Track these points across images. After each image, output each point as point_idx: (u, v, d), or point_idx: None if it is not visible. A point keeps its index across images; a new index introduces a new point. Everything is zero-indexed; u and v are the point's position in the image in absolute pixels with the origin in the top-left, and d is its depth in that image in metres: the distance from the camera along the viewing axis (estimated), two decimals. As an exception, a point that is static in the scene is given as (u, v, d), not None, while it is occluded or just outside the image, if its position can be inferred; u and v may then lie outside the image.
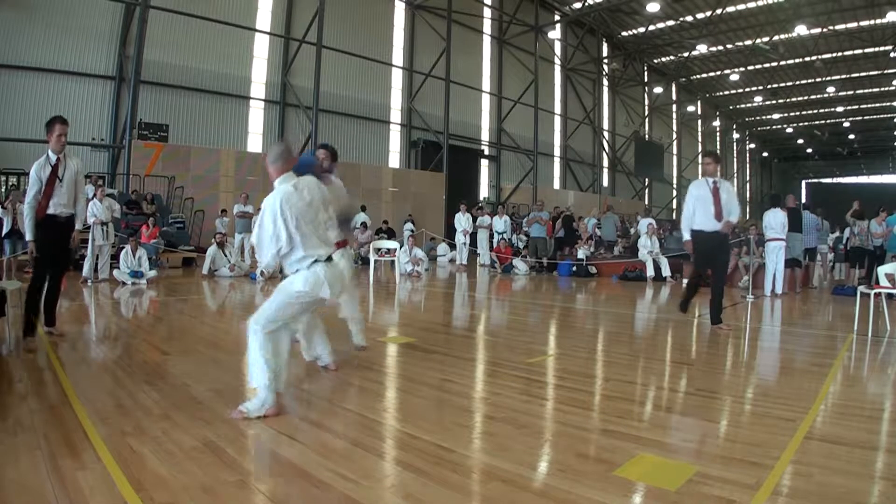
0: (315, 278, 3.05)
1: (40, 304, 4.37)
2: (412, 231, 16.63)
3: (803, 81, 31.40)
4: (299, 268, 3.08)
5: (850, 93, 32.26)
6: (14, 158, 13.50)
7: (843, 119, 38.32)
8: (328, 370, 3.81)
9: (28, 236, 4.46)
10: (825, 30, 23.91)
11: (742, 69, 30.01)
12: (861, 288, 6.15)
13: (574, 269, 12.62)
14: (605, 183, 31.41)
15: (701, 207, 5.62)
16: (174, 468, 2.20)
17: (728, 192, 5.66)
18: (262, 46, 17.79)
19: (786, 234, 8.94)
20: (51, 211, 4.45)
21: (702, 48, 27.26)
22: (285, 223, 2.97)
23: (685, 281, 10.79)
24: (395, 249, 11.34)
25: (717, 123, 41.09)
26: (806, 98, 35.00)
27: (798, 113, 38.15)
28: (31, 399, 3.04)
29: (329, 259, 3.15)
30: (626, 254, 12.96)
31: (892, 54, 25.39)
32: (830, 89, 31.81)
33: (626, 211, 23.58)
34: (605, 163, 31.42)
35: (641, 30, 27.82)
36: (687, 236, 5.77)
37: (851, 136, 42.19)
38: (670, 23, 25.94)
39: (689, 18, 25.04)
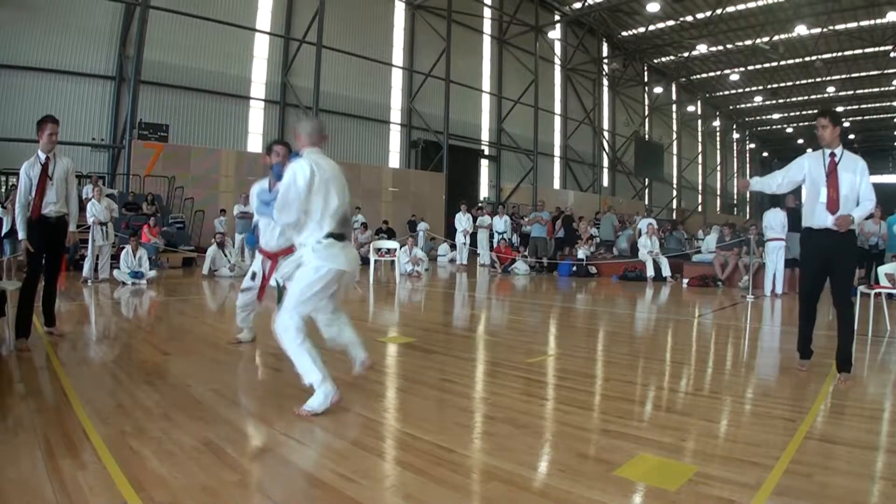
0: (328, 251, 3.00)
1: (33, 304, 4.36)
2: (427, 229, 16.66)
3: (803, 81, 31.40)
4: (312, 240, 3.01)
5: (850, 93, 32.26)
6: (14, 158, 13.49)
7: (844, 119, 38.26)
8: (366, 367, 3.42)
9: (21, 235, 4.47)
10: (825, 30, 23.91)
11: (742, 69, 30.01)
12: (861, 288, 6.14)
13: (574, 269, 12.62)
14: (605, 183, 31.42)
15: (811, 190, 3.90)
16: (174, 468, 2.20)
17: (854, 172, 3.84)
18: (262, 46, 17.79)
19: (786, 234, 8.94)
20: (42, 211, 4.44)
21: (702, 48, 27.26)
22: (310, 184, 2.95)
23: (685, 282, 10.84)
24: (395, 249, 11.34)
25: (717, 123, 41.10)
26: (806, 98, 35.00)
27: (798, 113, 38.14)
28: (31, 399, 3.04)
29: (343, 239, 3.09)
30: (626, 253, 12.95)
31: (892, 54, 25.39)
32: (830, 89, 31.81)
33: (627, 211, 23.58)
34: (605, 163, 31.42)
35: (641, 30, 27.82)
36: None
37: (851, 136, 42.16)
38: (670, 23, 25.94)
39: (689, 18, 25.04)
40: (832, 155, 3.83)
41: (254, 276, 4.52)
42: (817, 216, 3.83)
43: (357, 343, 3.36)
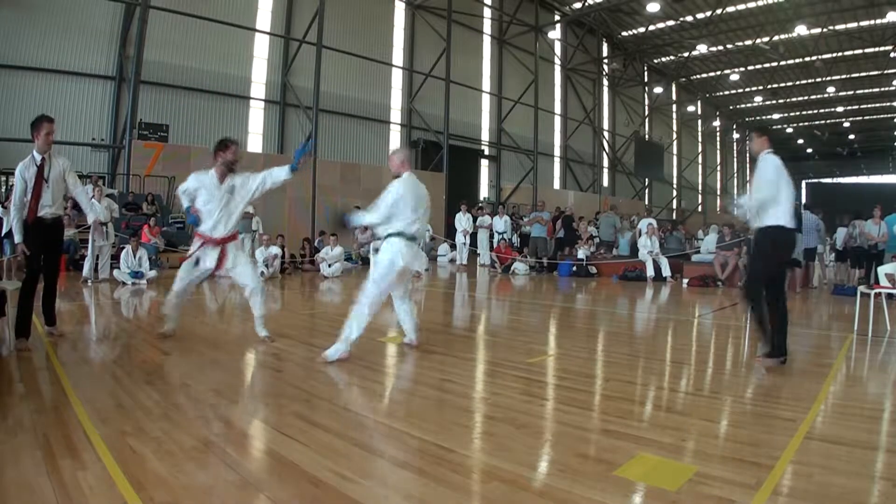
0: (394, 248, 4.21)
1: (33, 304, 4.35)
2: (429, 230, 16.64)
3: (803, 81, 31.39)
4: (387, 233, 4.27)
5: (850, 93, 32.25)
6: (14, 158, 13.37)
7: (843, 119, 38.31)
8: (413, 346, 4.53)
9: (17, 238, 4.40)
10: (825, 30, 23.90)
11: (742, 69, 30.00)
12: (861, 288, 6.15)
13: (574, 269, 12.62)
14: (606, 183, 31.41)
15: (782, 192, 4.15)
16: (174, 468, 2.20)
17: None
18: (262, 46, 17.79)
19: None
20: (38, 213, 4.38)
21: (702, 48, 27.25)
22: (397, 202, 4.26)
23: (685, 282, 10.84)
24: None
25: (717, 123, 41.09)
26: (806, 98, 34.99)
27: (798, 113, 38.14)
28: (31, 399, 3.04)
29: (412, 239, 4.29)
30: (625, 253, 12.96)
31: (892, 54, 25.38)
32: (830, 89, 31.79)
33: (627, 211, 23.58)
34: (605, 163, 31.42)
35: (641, 30, 27.82)
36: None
37: (851, 136, 42.18)
38: (670, 23, 25.93)
39: (689, 18, 25.04)
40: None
41: (197, 261, 4.63)
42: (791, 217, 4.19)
43: (410, 326, 4.59)
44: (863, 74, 29.60)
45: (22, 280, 4.55)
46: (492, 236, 14.69)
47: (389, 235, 4.27)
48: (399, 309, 4.59)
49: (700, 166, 38.88)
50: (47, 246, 4.55)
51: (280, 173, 4.69)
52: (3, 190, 13.13)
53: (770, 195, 4.17)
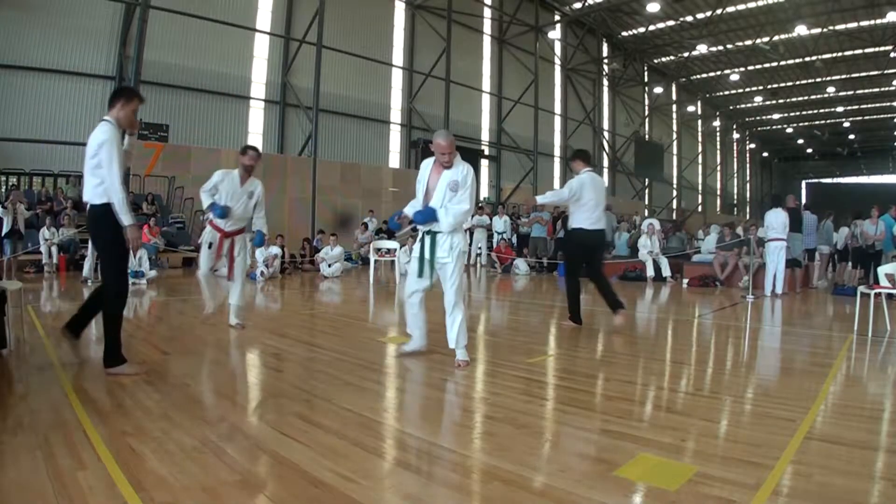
0: (466, 240, 4.22)
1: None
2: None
3: (803, 81, 31.38)
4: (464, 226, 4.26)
5: (850, 93, 32.25)
6: (14, 158, 13.50)
7: (843, 119, 38.32)
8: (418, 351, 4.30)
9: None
10: (825, 30, 23.91)
11: (742, 69, 30.00)
12: (861, 288, 6.15)
13: (574, 269, 12.60)
14: (606, 183, 31.39)
15: (588, 202, 5.66)
16: (174, 468, 2.20)
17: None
18: (262, 46, 17.79)
19: (787, 234, 8.93)
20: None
21: (702, 48, 27.25)
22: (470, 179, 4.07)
23: (685, 282, 10.84)
24: (395, 249, 11.35)
25: (717, 123, 41.10)
26: (806, 98, 35.00)
27: (798, 113, 38.15)
28: (31, 399, 3.04)
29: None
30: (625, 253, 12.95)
31: (892, 54, 25.39)
32: (830, 89, 31.80)
33: (627, 211, 23.57)
34: (605, 163, 31.41)
35: (641, 30, 27.82)
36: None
37: (851, 136, 42.17)
38: (670, 23, 25.93)
39: (689, 18, 25.04)
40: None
41: (210, 245, 5.24)
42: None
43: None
44: (863, 74, 29.60)
45: (23, 279, 4.50)
46: (491, 236, 14.69)
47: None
48: (422, 311, 4.30)
49: (700, 166, 38.88)
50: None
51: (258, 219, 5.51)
52: (2, 190, 13.14)
53: (561, 199, 5.97)
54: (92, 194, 3.54)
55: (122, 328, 3.65)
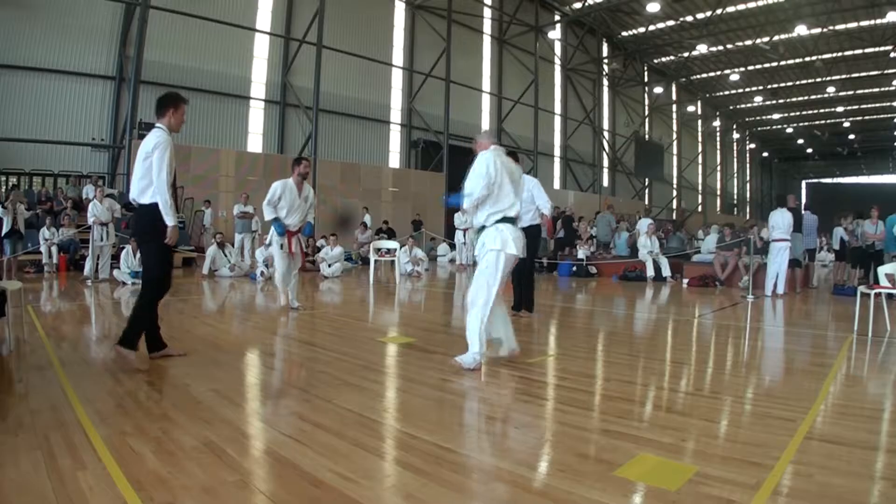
0: (501, 234, 3.77)
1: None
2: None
3: (803, 81, 31.40)
4: (486, 224, 3.82)
5: (850, 93, 32.26)
6: (14, 158, 13.51)
7: (843, 119, 38.32)
8: (512, 355, 4.13)
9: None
10: (825, 30, 23.91)
11: (742, 69, 30.00)
12: (861, 288, 6.15)
13: (574, 269, 12.62)
14: (606, 183, 31.41)
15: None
16: (174, 468, 2.20)
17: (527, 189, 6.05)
18: (262, 46, 17.80)
19: (790, 234, 8.92)
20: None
21: (702, 48, 27.26)
22: (491, 173, 3.78)
23: (685, 282, 10.84)
24: (395, 249, 11.35)
25: (717, 123, 41.10)
26: (806, 98, 35.00)
27: (798, 113, 38.15)
28: (31, 399, 3.04)
29: (514, 222, 3.85)
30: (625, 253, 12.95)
31: (892, 54, 25.39)
32: (830, 89, 31.80)
33: (627, 211, 23.58)
34: (605, 163, 31.41)
35: (641, 30, 27.82)
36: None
37: (851, 136, 42.17)
38: (670, 23, 25.93)
39: (689, 18, 25.04)
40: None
41: (281, 246, 6.16)
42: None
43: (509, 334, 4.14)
44: (863, 74, 29.61)
45: (23, 279, 4.52)
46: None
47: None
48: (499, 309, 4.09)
49: (700, 166, 38.88)
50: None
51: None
52: (2, 190, 13.14)
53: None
54: (140, 195, 3.81)
55: (149, 319, 3.91)
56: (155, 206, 3.76)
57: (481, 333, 3.79)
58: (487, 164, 3.82)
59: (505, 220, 3.81)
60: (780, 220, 8.93)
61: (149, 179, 3.75)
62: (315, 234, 13.64)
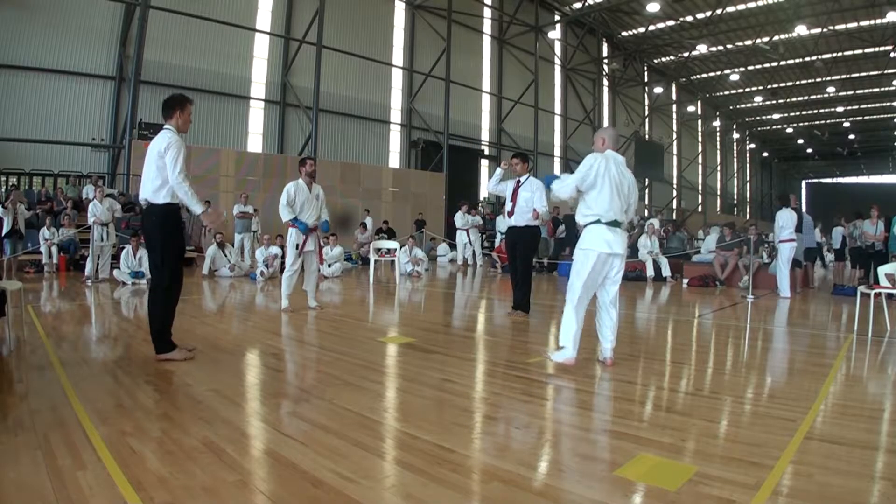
0: (594, 235, 3.81)
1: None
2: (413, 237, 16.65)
3: (803, 81, 31.39)
4: (583, 221, 3.88)
5: (850, 93, 32.26)
6: (14, 158, 13.51)
7: (843, 119, 38.32)
8: (605, 364, 4.06)
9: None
10: (825, 30, 23.91)
11: (742, 69, 30.00)
12: (861, 288, 6.14)
13: (574, 269, 12.60)
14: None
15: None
16: (174, 468, 2.20)
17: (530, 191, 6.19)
18: (262, 46, 17.80)
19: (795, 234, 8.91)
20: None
21: (702, 48, 27.25)
22: (588, 176, 3.81)
23: (685, 282, 10.83)
24: (395, 249, 11.35)
25: (717, 123, 41.09)
26: (806, 98, 35.00)
27: (798, 113, 38.14)
28: (31, 399, 3.04)
29: (612, 224, 3.81)
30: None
31: (892, 54, 25.39)
32: (830, 89, 31.80)
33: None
34: (605, 163, 31.37)
35: (641, 30, 27.82)
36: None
37: (851, 136, 42.17)
38: (670, 23, 25.94)
39: (689, 18, 25.05)
40: (518, 181, 6.25)
41: (297, 245, 6.32)
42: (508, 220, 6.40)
43: (607, 338, 4.07)
44: (863, 74, 29.61)
45: (23, 279, 4.53)
46: (493, 236, 14.68)
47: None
48: (606, 316, 4.15)
49: (700, 166, 38.88)
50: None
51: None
52: (2, 190, 13.14)
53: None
54: (153, 194, 3.81)
55: (168, 318, 3.98)
56: (167, 206, 3.80)
57: (574, 331, 3.91)
58: (589, 167, 3.86)
59: (598, 222, 3.86)
60: (790, 219, 8.85)
61: (162, 179, 3.77)
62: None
